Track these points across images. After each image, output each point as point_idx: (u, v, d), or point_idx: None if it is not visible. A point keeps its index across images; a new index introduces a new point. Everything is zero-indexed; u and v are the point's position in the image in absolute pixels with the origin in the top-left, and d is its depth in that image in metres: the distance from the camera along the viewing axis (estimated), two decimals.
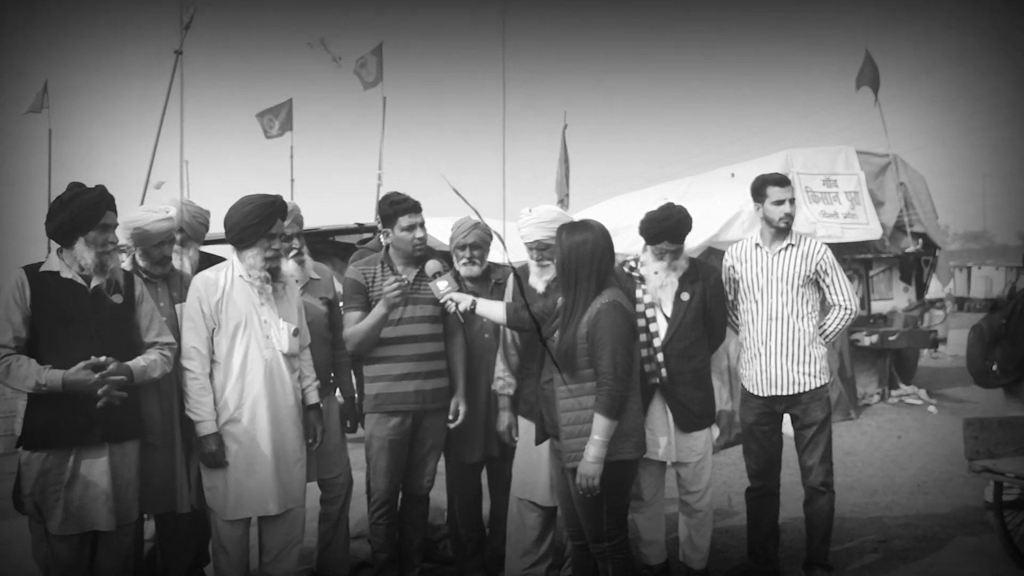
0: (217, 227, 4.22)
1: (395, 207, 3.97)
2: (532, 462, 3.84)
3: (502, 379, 3.99)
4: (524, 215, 3.92)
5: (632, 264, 4.04)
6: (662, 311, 3.93)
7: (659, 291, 3.93)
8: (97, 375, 3.11)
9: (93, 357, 3.13)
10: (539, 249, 3.87)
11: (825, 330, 4.16)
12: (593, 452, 3.15)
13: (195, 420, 3.48)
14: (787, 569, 4.31)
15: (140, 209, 3.68)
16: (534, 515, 3.93)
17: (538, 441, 3.58)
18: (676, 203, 4.03)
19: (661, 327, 3.90)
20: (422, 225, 4.01)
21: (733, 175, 8.98)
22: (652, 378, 3.85)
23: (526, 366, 3.90)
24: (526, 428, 3.88)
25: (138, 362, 3.29)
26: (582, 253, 3.29)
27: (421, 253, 4.02)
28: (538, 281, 3.89)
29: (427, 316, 3.99)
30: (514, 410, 3.99)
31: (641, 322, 3.83)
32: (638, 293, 3.94)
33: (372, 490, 4.06)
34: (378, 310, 3.85)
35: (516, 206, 4.17)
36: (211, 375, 3.53)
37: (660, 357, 3.87)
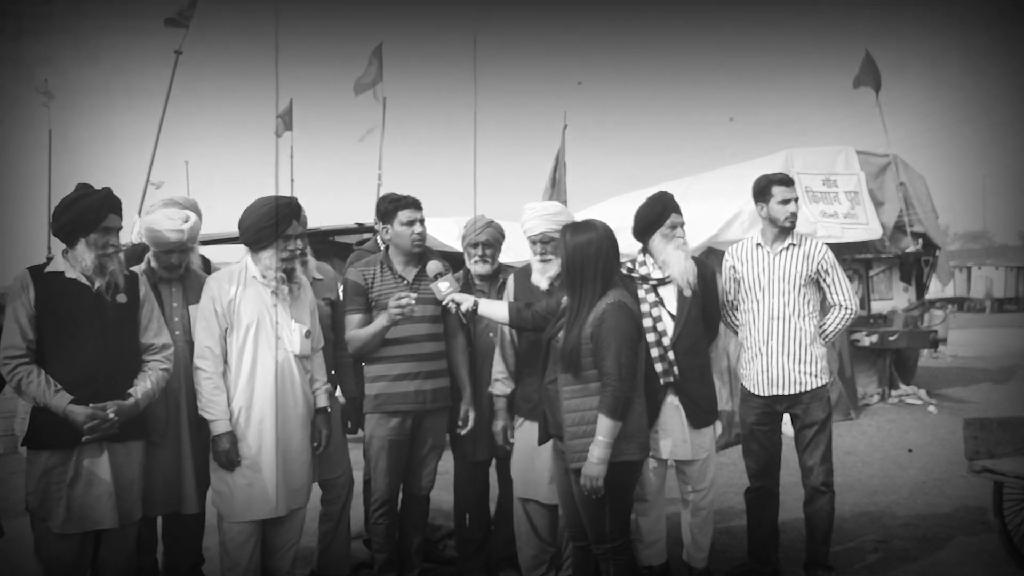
0: (216, 227, 4.23)
1: (395, 203, 3.98)
2: (533, 461, 3.85)
3: (499, 381, 3.99)
4: (528, 209, 3.92)
5: (630, 265, 4.03)
6: (666, 309, 3.93)
7: (679, 278, 3.91)
8: (89, 425, 3.12)
9: (95, 410, 3.13)
10: (543, 242, 3.84)
11: (825, 330, 4.17)
12: (597, 453, 3.14)
13: (209, 419, 3.49)
14: (787, 569, 4.31)
15: (160, 214, 3.67)
16: (541, 514, 3.94)
17: (541, 442, 3.59)
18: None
19: (668, 325, 3.90)
20: (422, 221, 4.02)
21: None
22: (666, 376, 3.84)
23: (527, 366, 3.90)
24: (528, 429, 3.88)
25: (146, 389, 3.30)
26: (587, 253, 3.27)
27: (420, 249, 4.03)
28: (541, 278, 3.87)
29: (427, 316, 3.98)
30: (510, 412, 3.99)
31: (648, 322, 3.83)
32: (640, 293, 3.93)
33: (372, 490, 4.06)
34: (380, 322, 3.85)
35: (518, 207, 4.16)
36: (223, 375, 3.55)
37: (671, 355, 3.87)
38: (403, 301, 3.76)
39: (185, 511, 3.65)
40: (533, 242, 3.89)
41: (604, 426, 3.14)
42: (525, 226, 3.91)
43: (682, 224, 4.01)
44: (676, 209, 4.00)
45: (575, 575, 3.71)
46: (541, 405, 3.75)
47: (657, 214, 3.96)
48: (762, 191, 4.19)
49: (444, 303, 3.79)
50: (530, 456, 3.86)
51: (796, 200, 4.16)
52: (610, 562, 3.31)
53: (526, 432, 3.89)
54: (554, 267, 3.83)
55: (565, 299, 3.56)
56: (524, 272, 3.99)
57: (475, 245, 4.17)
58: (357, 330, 3.93)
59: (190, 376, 3.58)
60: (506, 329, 3.96)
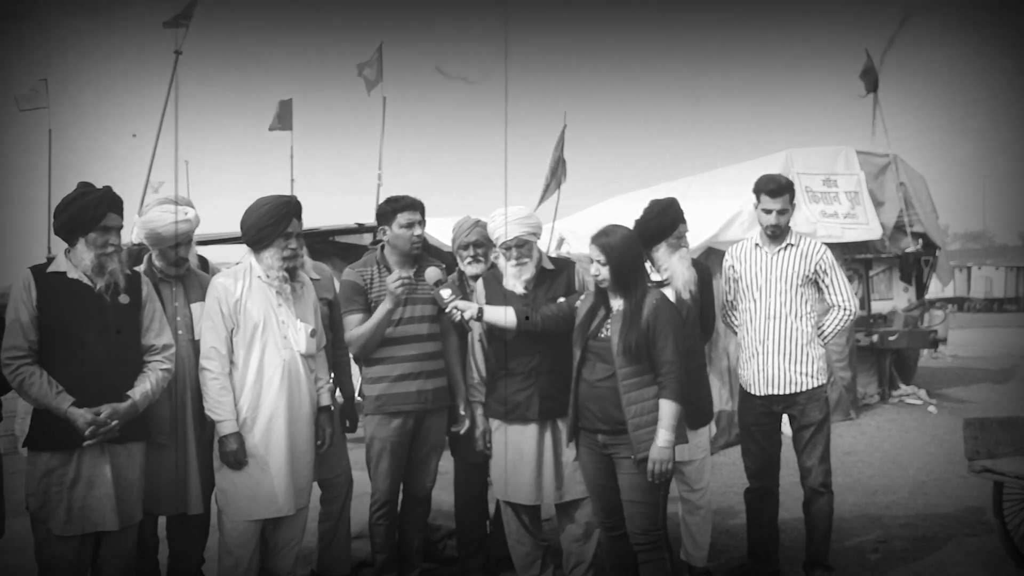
0: (215, 228, 4.22)
1: (395, 204, 3.97)
2: (511, 464, 3.85)
3: (475, 387, 3.98)
4: (498, 215, 3.87)
5: None
6: None
7: (682, 288, 3.90)
8: (90, 429, 3.11)
9: (91, 414, 3.11)
10: (518, 247, 3.82)
11: (823, 331, 4.16)
12: (666, 436, 3.29)
13: (216, 420, 3.49)
14: (787, 569, 4.31)
15: (157, 209, 3.66)
16: (527, 511, 3.94)
17: (569, 439, 3.62)
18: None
19: None
20: (421, 223, 4.01)
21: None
22: None
23: (501, 370, 3.87)
24: (505, 432, 3.88)
25: (145, 390, 3.29)
26: (635, 253, 3.46)
27: (419, 251, 4.02)
28: (516, 282, 3.83)
29: (427, 316, 3.99)
30: (485, 416, 3.98)
31: None
32: None
33: (373, 491, 4.06)
34: (382, 307, 3.84)
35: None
36: (230, 375, 3.54)
37: None
38: (397, 278, 3.75)
39: (190, 512, 3.64)
40: (507, 247, 3.83)
41: (672, 410, 3.31)
42: (497, 232, 3.85)
43: (686, 232, 4.03)
44: (683, 219, 4.02)
45: (614, 567, 3.68)
46: (520, 408, 3.77)
47: (667, 225, 3.96)
48: (756, 192, 4.18)
49: (447, 311, 3.77)
50: (509, 459, 3.86)
51: (781, 212, 4.08)
52: (662, 549, 3.42)
53: (504, 435, 3.89)
54: (529, 270, 3.83)
55: (580, 301, 3.63)
56: (493, 276, 3.96)
57: (466, 247, 4.16)
58: (359, 327, 3.93)
59: (195, 376, 3.57)
60: (476, 335, 3.95)
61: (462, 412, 4.04)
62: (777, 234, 4.14)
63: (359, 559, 4.42)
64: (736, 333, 4.36)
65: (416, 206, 3.99)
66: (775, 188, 4.11)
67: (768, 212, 4.11)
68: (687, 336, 3.90)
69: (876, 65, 10.01)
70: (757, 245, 4.22)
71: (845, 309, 4.15)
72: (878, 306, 9.67)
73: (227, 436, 3.47)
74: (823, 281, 4.15)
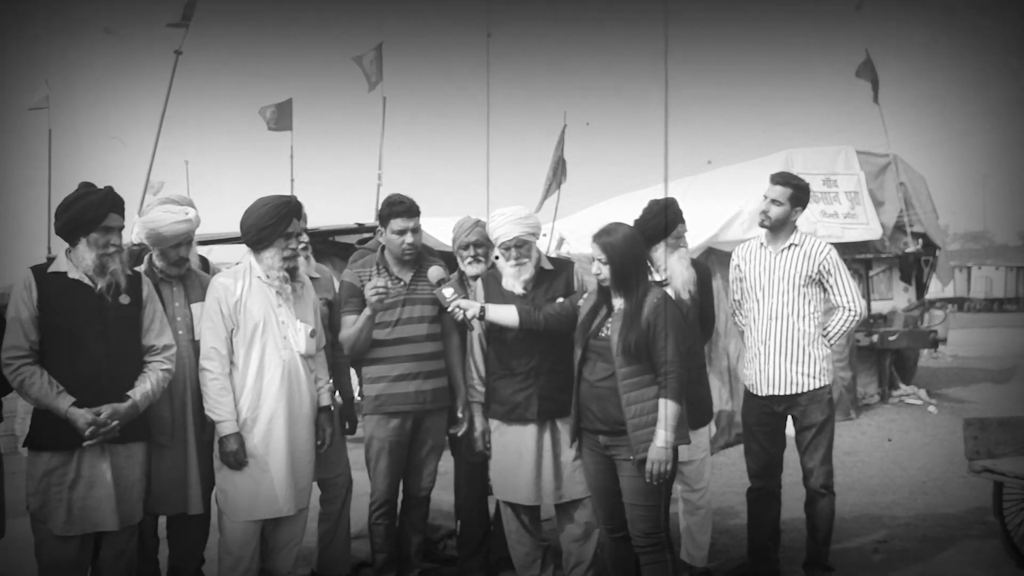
0: (215, 228, 4.22)
1: (390, 208, 3.97)
2: (510, 464, 3.84)
3: (473, 387, 3.98)
4: (498, 215, 3.86)
5: None
6: None
7: (680, 288, 3.91)
8: (90, 429, 3.11)
9: (92, 414, 3.12)
10: (517, 247, 3.81)
11: (828, 332, 4.14)
12: (665, 437, 3.25)
13: (216, 420, 3.49)
14: (787, 569, 4.31)
15: (159, 209, 3.66)
16: (527, 511, 3.94)
17: (573, 440, 3.61)
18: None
19: None
20: (414, 230, 3.98)
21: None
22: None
23: (500, 370, 3.86)
24: (504, 432, 3.87)
25: (145, 390, 3.29)
26: (636, 252, 3.43)
27: (411, 258, 4.01)
28: (515, 282, 3.82)
29: (425, 316, 3.99)
30: (484, 416, 3.98)
31: None
32: None
33: (372, 490, 4.06)
34: (363, 313, 3.84)
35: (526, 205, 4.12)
36: (230, 375, 3.54)
37: None
38: (373, 289, 3.74)
39: (190, 512, 3.64)
40: (507, 247, 3.81)
41: (671, 410, 3.26)
42: (497, 232, 3.84)
43: (685, 232, 4.04)
44: (682, 219, 4.02)
45: (614, 569, 3.68)
46: (519, 408, 3.75)
47: (670, 221, 3.96)
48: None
49: (449, 310, 3.76)
50: (508, 459, 3.85)
51: (772, 201, 4.10)
52: (664, 551, 3.39)
53: (502, 436, 3.88)
54: (528, 270, 3.82)
55: (582, 300, 3.61)
56: (493, 277, 3.95)
57: (466, 247, 4.15)
58: (347, 329, 3.93)
59: (195, 376, 3.57)
60: (476, 334, 3.94)
61: (459, 414, 4.04)
62: (765, 224, 4.15)
63: (359, 559, 4.42)
64: (743, 333, 4.36)
65: (411, 213, 3.97)
66: (777, 177, 4.17)
67: (764, 198, 4.13)
68: (687, 336, 3.91)
69: (872, 70, 10.00)
70: (762, 245, 4.22)
71: (850, 311, 4.10)
72: (878, 306, 9.67)
73: (227, 436, 3.47)
74: (827, 282, 4.11)
